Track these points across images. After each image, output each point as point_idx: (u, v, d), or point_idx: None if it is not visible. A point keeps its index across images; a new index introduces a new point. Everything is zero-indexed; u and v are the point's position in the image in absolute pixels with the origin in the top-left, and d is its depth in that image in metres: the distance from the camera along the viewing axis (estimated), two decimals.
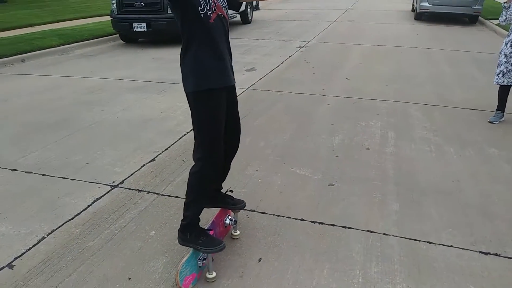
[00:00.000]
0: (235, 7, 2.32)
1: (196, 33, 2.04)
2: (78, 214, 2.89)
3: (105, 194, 3.14)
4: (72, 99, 5.47)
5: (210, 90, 2.10)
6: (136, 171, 3.51)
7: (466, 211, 2.94)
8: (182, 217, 2.31)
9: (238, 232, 2.66)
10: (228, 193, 2.59)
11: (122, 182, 3.33)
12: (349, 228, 2.74)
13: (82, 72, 6.97)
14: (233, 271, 2.36)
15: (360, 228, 2.74)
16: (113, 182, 3.33)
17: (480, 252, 2.52)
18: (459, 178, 3.39)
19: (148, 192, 3.18)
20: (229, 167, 2.53)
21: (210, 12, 2.03)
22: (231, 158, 2.48)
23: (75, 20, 12.08)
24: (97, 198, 3.09)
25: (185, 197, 2.29)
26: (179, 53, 2.16)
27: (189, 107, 2.21)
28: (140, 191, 3.20)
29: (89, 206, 2.99)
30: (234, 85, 2.30)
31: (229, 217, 2.58)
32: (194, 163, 2.25)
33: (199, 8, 2.00)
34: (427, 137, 4.22)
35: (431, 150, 3.92)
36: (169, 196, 3.12)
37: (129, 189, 3.23)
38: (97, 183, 3.31)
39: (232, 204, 2.59)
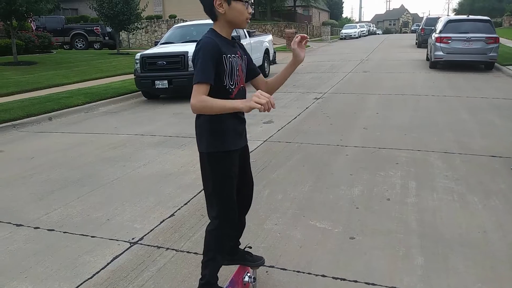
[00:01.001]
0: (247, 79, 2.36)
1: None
2: (97, 272, 2.89)
3: (124, 252, 3.15)
4: (96, 155, 5.63)
5: (226, 152, 2.12)
6: (155, 227, 3.52)
7: (494, 265, 2.81)
8: (200, 276, 2.29)
9: None
10: (246, 249, 2.56)
11: (142, 238, 3.34)
12: (373, 284, 2.65)
13: (106, 128, 7.21)
14: None
15: (384, 284, 2.64)
16: (133, 238, 3.34)
17: None
18: (485, 229, 3.28)
19: (167, 248, 3.17)
20: (245, 223, 2.52)
21: (233, 87, 2.08)
22: (245, 213, 2.47)
23: (100, 79, 12.69)
24: (116, 256, 3.09)
25: (202, 255, 2.28)
26: None
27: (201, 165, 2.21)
28: (159, 247, 3.19)
29: (108, 264, 2.99)
30: (246, 144, 2.32)
31: (248, 274, 2.53)
32: (210, 220, 2.26)
33: (223, 84, 2.03)
34: (449, 186, 4.13)
35: (454, 199, 3.83)
36: (187, 252, 3.10)
37: (148, 245, 3.23)
38: (116, 240, 3.32)
39: (251, 260, 2.55)
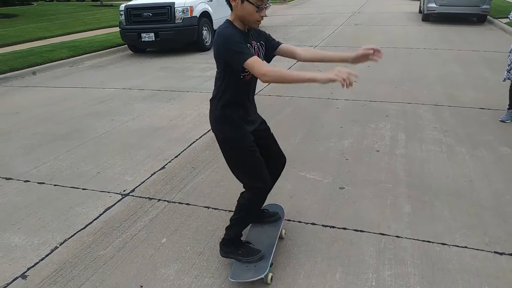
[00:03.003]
0: (268, 60, 2.34)
1: (230, 85, 2.11)
2: (90, 223, 2.92)
3: (116, 203, 3.16)
4: (83, 109, 5.54)
5: (242, 134, 2.18)
6: (146, 179, 3.53)
7: (479, 212, 2.89)
8: (225, 232, 2.41)
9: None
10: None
11: (133, 190, 3.35)
12: (361, 231, 2.72)
13: (92, 83, 7.06)
14: None
15: (372, 231, 2.71)
16: (124, 190, 3.35)
17: (495, 252, 2.47)
18: (471, 179, 3.35)
19: (159, 199, 3.19)
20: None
21: (247, 73, 2.09)
22: (274, 182, 2.54)
23: (84, 32, 12.27)
24: (108, 207, 3.11)
25: (234, 212, 2.36)
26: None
27: (218, 143, 2.27)
28: (150, 199, 3.21)
29: (100, 215, 3.01)
30: (262, 123, 2.39)
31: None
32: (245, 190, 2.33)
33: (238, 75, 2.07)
34: (437, 138, 4.18)
35: (442, 151, 3.88)
36: (179, 203, 3.13)
37: (140, 197, 3.25)
38: (108, 192, 3.33)
39: (267, 216, 2.67)
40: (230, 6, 2.04)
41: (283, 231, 2.65)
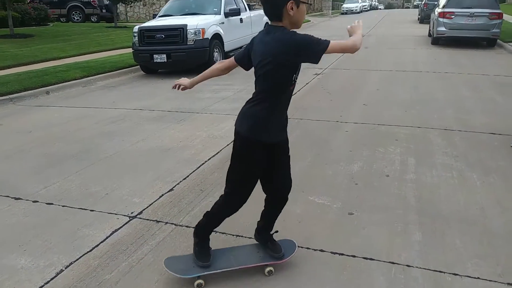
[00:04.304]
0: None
1: (273, 92, 2.20)
2: (97, 246, 2.90)
3: (123, 225, 3.15)
4: (94, 129, 5.59)
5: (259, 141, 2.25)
6: (154, 202, 3.52)
7: (491, 241, 2.83)
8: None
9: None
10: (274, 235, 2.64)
11: (141, 212, 3.35)
12: (371, 259, 2.67)
13: (104, 103, 7.15)
14: None
15: (382, 260, 2.66)
16: (132, 213, 3.35)
17: (509, 284, 2.40)
18: (483, 206, 3.29)
19: (166, 223, 3.18)
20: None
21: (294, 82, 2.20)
22: (280, 203, 2.63)
23: (98, 53, 12.50)
24: (115, 229, 3.10)
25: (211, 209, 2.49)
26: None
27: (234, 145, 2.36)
28: (158, 221, 3.20)
29: (107, 237, 3.00)
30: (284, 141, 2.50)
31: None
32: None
33: (293, 78, 2.17)
34: (448, 163, 4.13)
35: (453, 176, 3.83)
36: (187, 226, 3.11)
37: (147, 219, 3.24)
38: (115, 214, 3.33)
39: (270, 248, 2.59)
40: (280, 17, 2.05)
41: (269, 269, 2.55)
